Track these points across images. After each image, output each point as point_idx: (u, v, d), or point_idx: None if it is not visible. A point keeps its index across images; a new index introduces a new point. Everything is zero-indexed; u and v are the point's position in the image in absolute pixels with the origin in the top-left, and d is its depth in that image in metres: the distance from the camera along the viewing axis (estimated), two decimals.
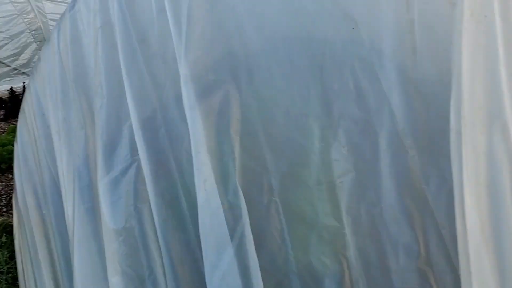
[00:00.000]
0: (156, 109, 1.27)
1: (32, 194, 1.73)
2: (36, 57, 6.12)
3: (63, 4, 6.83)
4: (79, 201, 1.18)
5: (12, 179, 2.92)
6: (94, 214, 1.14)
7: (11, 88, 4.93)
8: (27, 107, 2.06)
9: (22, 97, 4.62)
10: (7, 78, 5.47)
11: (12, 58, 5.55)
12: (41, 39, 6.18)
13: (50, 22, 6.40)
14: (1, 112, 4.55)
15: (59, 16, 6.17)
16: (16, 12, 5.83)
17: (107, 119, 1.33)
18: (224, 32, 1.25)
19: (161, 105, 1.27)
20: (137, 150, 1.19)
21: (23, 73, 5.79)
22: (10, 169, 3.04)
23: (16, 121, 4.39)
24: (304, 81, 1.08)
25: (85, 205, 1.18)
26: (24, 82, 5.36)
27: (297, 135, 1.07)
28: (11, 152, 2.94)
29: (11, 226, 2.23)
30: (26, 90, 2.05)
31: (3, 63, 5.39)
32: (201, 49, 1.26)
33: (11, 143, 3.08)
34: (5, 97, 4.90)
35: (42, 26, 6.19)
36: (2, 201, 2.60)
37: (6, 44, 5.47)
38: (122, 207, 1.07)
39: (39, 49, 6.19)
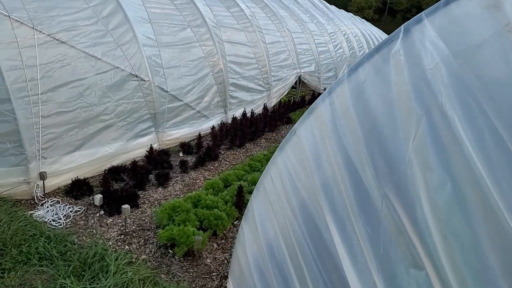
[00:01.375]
0: None
1: None
2: (216, 99, 6.44)
3: (239, 44, 7.16)
4: None
5: (218, 250, 2.77)
6: None
7: (199, 134, 5.12)
8: (269, 186, 1.82)
9: (209, 142, 4.65)
10: (191, 121, 5.78)
11: (197, 102, 5.87)
12: (221, 82, 6.50)
13: (229, 64, 6.74)
14: (189, 158, 4.63)
15: (235, 56, 6.24)
16: (204, 55, 6.23)
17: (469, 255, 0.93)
18: None
19: None
20: None
21: (204, 115, 6.09)
22: (214, 235, 2.91)
23: (204, 169, 4.44)
24: None
25: None
26: (215, 125, 5.58)
27: None
28: (217, 218, 2.82)
29: None
30: (272, 164, 1.81)
31: (190, 106, 5.71)
32: None
33: (216, 205, 2.97)
34: (190, 141, 5.10)
35: (223, 68, 6.53)
36: (213, 280, 2.37)
37: (194, 87, 5.83)
38: None
39: (218, 91, 6.51)
